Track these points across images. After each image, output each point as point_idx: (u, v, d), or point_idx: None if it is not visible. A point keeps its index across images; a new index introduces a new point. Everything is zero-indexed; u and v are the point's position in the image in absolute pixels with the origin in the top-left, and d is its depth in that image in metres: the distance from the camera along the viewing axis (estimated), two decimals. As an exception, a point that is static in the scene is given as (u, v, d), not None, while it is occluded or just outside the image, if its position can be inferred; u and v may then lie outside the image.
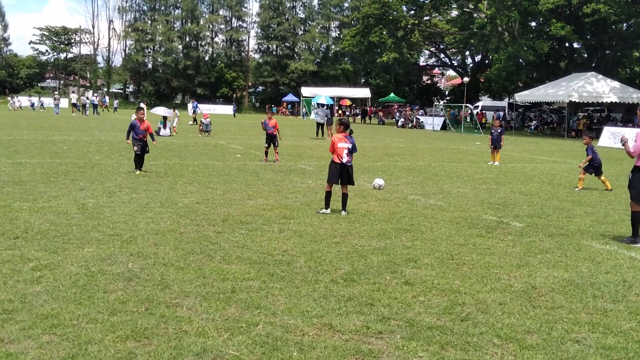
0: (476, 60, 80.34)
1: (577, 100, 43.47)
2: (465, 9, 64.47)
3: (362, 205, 11.42)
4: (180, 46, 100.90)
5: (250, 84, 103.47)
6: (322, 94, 73.10)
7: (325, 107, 43.52)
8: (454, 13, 71.34)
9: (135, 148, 14.87)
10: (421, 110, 62.61)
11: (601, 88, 43.86)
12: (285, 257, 7.41)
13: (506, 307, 5.85)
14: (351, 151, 10.29)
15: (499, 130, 21.13)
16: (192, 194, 11.95)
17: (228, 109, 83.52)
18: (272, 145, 18.80)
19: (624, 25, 50.31)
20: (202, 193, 12.07)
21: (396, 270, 7.02)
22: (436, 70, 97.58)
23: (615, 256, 8.08)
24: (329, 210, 10.33)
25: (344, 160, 10.17)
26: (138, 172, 14.63)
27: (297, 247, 7.93)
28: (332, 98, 74.87)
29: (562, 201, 12.73)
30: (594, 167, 15.23)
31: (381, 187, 13.49)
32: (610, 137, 35.20)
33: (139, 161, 14.92)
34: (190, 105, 48.55)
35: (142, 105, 44.83)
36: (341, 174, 10.25)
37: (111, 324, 5.07)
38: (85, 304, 5.52)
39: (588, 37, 52.87)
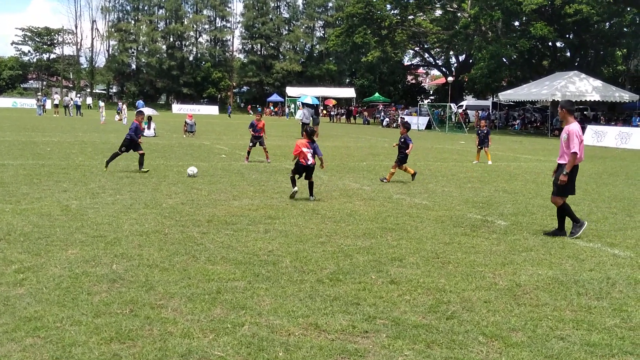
0: (460, 59, 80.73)
1: (560, 99, 43.76)
2: (449, 9, 64.79)
3: (348, 205, 11.43)
4: (164, 46, 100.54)
5: (235, 84, 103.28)
6: (307, 94, 73.18)
7: (311, 107, 43.47)
8: (438, 12, 71.72)
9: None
10: (406, 110, 62.80)
11: (584, 87, 44.24)
12: (271, 257, 7.39)
13: (491, 305, 5.88)
14: (314, 154, 11.78)
15: (485, 131, 21.24)
16: (177, 194, 11.90)
17: (213, 109, 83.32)
18: (258, 145, 18.78)
19: (606, 24, 50.80)
20: (186, 194, 12.01)
21: (382, 269, 7.02)
22: (420, 70, 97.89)
23: (598, 253, 8.14)
24: (296, 188, 11.77)
25: (309, 162, 11.68)
26: (144, 170, 15.28)
27: (282, 247, 7.91)
28: (317, 98, 74.95)
29: (546, 199, 12.79)
30: None
31: (195, 174, 14.42)
32: (593, 135, 35.48)
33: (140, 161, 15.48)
34: (121, 105, 47.67)
35: (124, 107, 44.55)
36: (305, 171, 11.82)
37: (95, 326, 5.03)
38: (69, 306, 5.48)
39: (571, 36, 53.31)
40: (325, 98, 79.24)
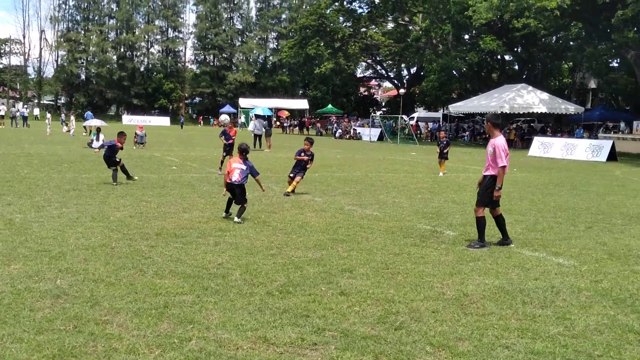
0: (412, 72, 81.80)
1: (508, 111, 44.75)
2: (400, 22, 65.71)
3: (299, 216, 11.42)
4: (114, 57, 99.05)
5: (187, 95, 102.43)
6: (260, 105, 73.15)
7: (263, 118, 43.49)
8: (390, 25, 72.65)
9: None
10: (359, 121, 63.28)
11: (531, 99, 45.31)
12: (221, 270, 7.33)
13: (439, 315, 5.94)
14: (247, 172, 10.69)
15: (445, 142, 21.50)
16: (125, 207, 11.70)
17: (165, 121, 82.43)
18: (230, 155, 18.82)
19: (553, 38, 52.20)
20: (135, 206, 11.83)
21: (332, 280, 7.03)
22: (373, 82, 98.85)
23: (543, 263, 8.31)
24: (224, 215, 10.78)
25: (233, 179, 10.50)
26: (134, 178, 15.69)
27: (232, 259, 7.85)
28: (270, 109, 74.98)
29: (494, 210, 13.01)
30: None
31: (226, 121, 14.03)
32: (540, 146, 36.33)
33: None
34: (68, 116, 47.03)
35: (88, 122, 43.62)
36: (232, 191, 10.64)
37: (37, 343, 4.89)
38: (10, 322, 5.32)
39: (519, 50, 54.59)
40: (278, 109, 79.28)
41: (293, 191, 14.38)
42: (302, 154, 14.88)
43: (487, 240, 9.26)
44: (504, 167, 9.02)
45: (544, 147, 36.19)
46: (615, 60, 48.98)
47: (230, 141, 19.08)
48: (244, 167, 10.57)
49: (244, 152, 10.80)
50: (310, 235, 9.66)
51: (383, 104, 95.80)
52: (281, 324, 5.54)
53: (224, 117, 13.64)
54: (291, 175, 14.75)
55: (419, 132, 56.44)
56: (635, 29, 41.29)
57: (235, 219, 10.44)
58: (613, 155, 32.39)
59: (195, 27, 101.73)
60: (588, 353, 5.12)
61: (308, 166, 14.83)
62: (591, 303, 6.52)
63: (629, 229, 11.26)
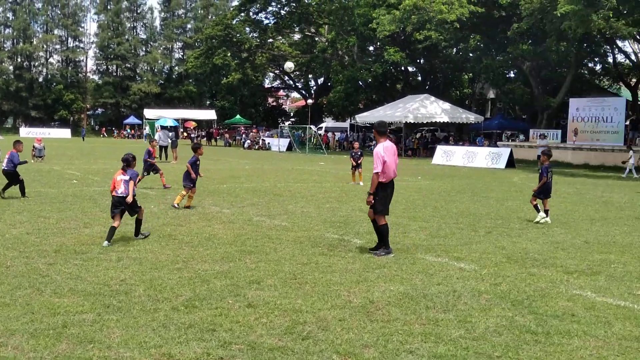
0: (319, 82, 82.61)
1: (412, 121, 45.96)
2: (307, 33, 66.33)
3: (207, 228, 11.27)
4: (11, 67, 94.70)
5: (89, 106, 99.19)
6: (166, 116, 71.83)
7: (169, 129, 42.74)
8: (297, 36, 73.18)
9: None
10: (267, 132, 63.27)
11: (434, 109, 46.68)
12: (123, 286, 7.12)
13: (345, 323, 6.00)
14: (129, 182, 9.83)
15: (359, 152, 21.77)
16: (22, 224, 11.17)
17: (65, 133, 79.54)
18: (152, 173, 18.56)
19: (453, 50, 54.05)
20: (32, 223, 11.32)
21: (239, 293, 6.97)
22: (281, 92, 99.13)
23: (446, 268, 8.56)
24: (105, 243, 9.41)
25: (119, 192, 9.70)
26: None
27: (136, 275, 7.64)
28: (177, 120, 73.76)
29: (398, 217, 13.31)
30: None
31: (291, 68, 13.51)
32: (443, 155, 37.49)
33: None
34: None
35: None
36: (119, 205, 9.76)
37: None
38: None
39: (421, 61, 56.20)
40: (185, 120, 78.12)
41: (185, 205, 13.93)
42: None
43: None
44: (376, 173, 9.31)
45: (446, 155, 37.36)
46: (512, 71, 51.28)
47: (153, 160, 18.97)
48: (127, 177, 9.85)
49: (125, 162, 9.97)
50: (218, 247, 9.55)
51: (292, 114, 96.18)
52: (186, 340, 5.43)
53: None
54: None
55: (327, 142, 57.03)
56: (530, 41, 43.45)
57: (139, 236, 10.04)
58: (511, 163, 33.81)
59: (96, 36, 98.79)
60: (488, 354, 5.30)
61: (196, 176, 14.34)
62: (491, 306, 6.76)
63: (526, 232, 11.78)
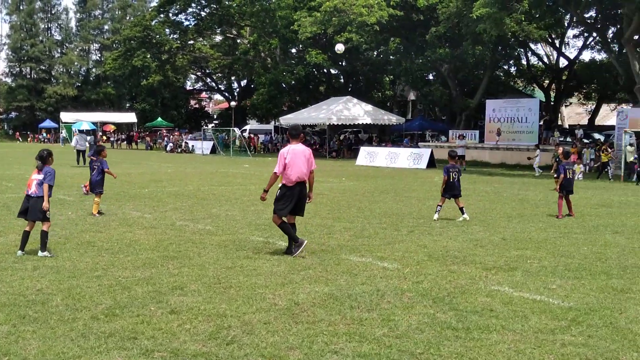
0: (242, 84, 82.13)
1: (336, 123, 46.35)
2: (228, 35, 65.82)
3: (128, 234, 11.01)
4: None
5: (1, 109, 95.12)
6: (84, 120, 69.80)
7: (87, 133, 41.52)
8: (218, 38, 72.50)
9: None
10: (190, 135, 62.40)
11: (357, 111, 47.21)
12: (40, 296, 6.86)
13: (270, 326, 5.98)
14: (42, 184, 9.04)
15: None
16: None
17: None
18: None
19: (374, 52, 54.81)
20: (-59, 232, 10.76)
21: (162, 299, 6.84)
22: (204, 94, 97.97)
23: (370, 267, 8.66)
24: (19, 253, 8.94)
25: (30, 191, 8.99)
26: None
27: (53, 284, 7.38)
28: (95, 123, 71.79)
29: (323, 218, 13.40)
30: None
31: (341, 50, 13.18)
32: (367, 156, 37.97)
33: None
34: None
35: None
36: (26, 205, 9.08)
37: None
38: None
39: (343, 63, 56.72)
40: (104, 123, 76.13)
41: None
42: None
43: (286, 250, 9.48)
44: (274, 173, 9.57)
45: (370, 156, 37.85)
46: (431, 74, 52.46)
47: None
48: (41, 178, 9.05)
49: (40, 159, 9.19)
50: (139, 253, 9.34)
51: (215, 116, 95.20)
52: (107, 349, 5.29)
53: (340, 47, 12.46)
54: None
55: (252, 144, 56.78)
56: (448, 44, 44.57)
57: (40, 253, 8.91)
58: (432, 163, 34.58)
59: (8, 37, 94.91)
60: (410, 352, 5.40)
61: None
62: (413, 303, 6.89)
63: (446, 231, 12.07)
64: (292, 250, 9.40)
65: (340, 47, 12.84)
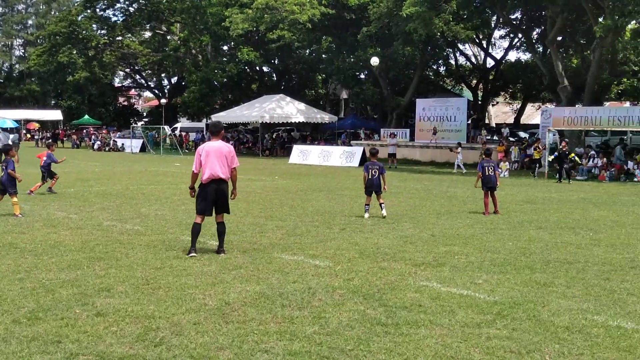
0: (172, 82, 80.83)
1: (269, 121, 46.21)
2: (158, 31, 64.65)
3: (52, 235, 10.67)
4: None
5: None
6: (6, 117, 67.18)
7: (10, 131, 40.00)
8: (147, 34, 71.10)
9: None
10: (119, 133, 60.98)
11: (289, 109, 47.20)
12: (-43, 301, 6.57)
13: (200, 327, 5.91)
14: None
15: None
16: None
17: None
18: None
19: (307, 51, 54.92)
20: None
21: (87, 301, 6.66)
22: (133, 92, 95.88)
23: (302, 265, 8.68)
24: None
25: None
26: None
27: (-29, 288, 7.08)
28: (18, 121, 69.24)
29: (256, 217, 13.34)
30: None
31: (376, 63, 12.73)
32: (299, 154, 38.00)
33: None
34: None
35: None
36: None
37: None
38: None
39: (276, 61, 56.62)
40: (27, 121, 73.55)
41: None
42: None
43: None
44: (192, 171, 9.73)
45: (303, 154, 37.90)
46: (362, 72, 52.94)
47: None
48: None
49: None
50: (64, 255, 9.07)
51: (144, 114, 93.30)
52: (29, 353, 5.12)
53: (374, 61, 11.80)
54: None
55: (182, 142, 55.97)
56: (379, 44, 45.07)
57: None
58: (364, 161, 34.88)
59: None
60: (341, 348, 5.43)
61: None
62: (344, 300, 6.93)
63: (377, 228, 12.21)
64: (221, 250, 9.32)
65: (375, 60, 12.85)
